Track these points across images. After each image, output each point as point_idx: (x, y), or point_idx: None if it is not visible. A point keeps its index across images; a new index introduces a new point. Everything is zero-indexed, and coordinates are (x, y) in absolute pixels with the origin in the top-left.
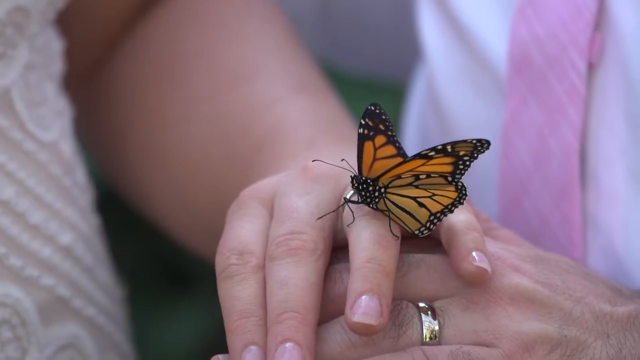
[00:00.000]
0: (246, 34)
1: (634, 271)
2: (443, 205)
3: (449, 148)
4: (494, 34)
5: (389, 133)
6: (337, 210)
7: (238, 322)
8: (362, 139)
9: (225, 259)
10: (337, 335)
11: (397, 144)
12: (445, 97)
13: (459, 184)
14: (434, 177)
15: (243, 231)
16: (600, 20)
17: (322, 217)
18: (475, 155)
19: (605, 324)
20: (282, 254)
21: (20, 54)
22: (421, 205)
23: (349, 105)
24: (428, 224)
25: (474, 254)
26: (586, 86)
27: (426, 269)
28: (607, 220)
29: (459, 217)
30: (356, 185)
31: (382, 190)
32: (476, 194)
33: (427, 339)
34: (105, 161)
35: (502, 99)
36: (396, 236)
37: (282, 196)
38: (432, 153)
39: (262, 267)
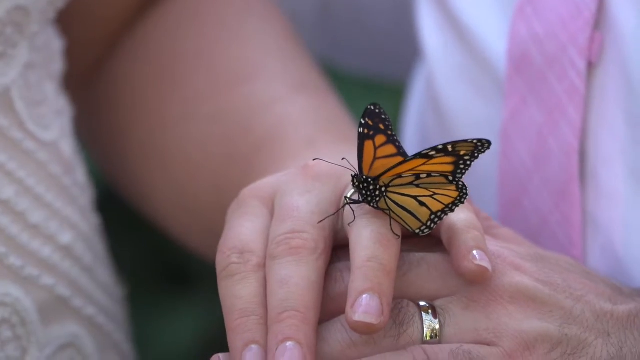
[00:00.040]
0: (246, 33)
1: (633, 270)
2: (444, 204)
3: (449, 148)
4: (493, 33)
5: (389, 132)
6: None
7: (239, 320)
8: (362, 138)
9: (225, 257)
10: (337, 334)
11: (397, 144)
12: (445, 97)
13: (460, 183)
14: (435, 176)
15: (243, 230)
16: (600, 19)
17: (323, 220)
18: (476, 155)
19: (606, 322)
20: (283, 252)
21: (20, 53)
22: (422, 204)
23: (349, 105)
24: (429, 223)
25: (474, 252)
26: (586, 85)
27: (427, 268)
28: (607, 219)
29: (460, 216)
30: (357, 184)
31: (383, 189)
32: (476, 193)
33: (428, 338)
34: (105, 161)
35: (501, 98)
36: (397, 235)
37: (282, 195)
38: (433, 152)
39: (263, 266)
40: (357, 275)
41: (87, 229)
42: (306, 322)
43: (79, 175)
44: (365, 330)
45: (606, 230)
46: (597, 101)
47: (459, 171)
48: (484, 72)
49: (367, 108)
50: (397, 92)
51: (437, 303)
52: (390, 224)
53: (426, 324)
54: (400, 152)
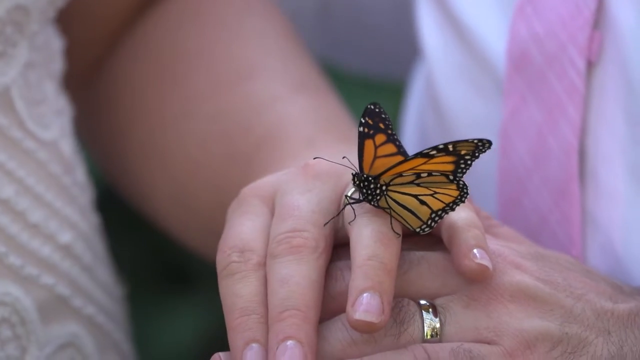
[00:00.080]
0: (246, 33)
1: (633, 269)
2: (444, 203)
3: (450, 147)
4: (493, 32)
5: (389, 132)
6: (339, 208)
7: (239, 319)
8: (362, 137)
9: (226, 256)
10: (338, 333)
11: (397, 143)
12: (445, 96)
13: (461, 182)
14: (436, 175)
15: (244, 229)
16: (600, 18)
17: (329, 221)
18: (477, 154)
19: (607, 321)
20: (284, 251)
21: (20, 52)
22: (422, 203)
23: (349, 104)
24: (429, 222)
25: (475, 251)
26: (585, 84)
27: (427, 267)
28: (606, 218)
29: (460, 215)
30: (357, 182)
31: (384, 187)
32: (475, 192)
33: (429, 337)
34: (105, 160)
35: (501, 97)
36: (397, 234)
37: (283, 194)
38: (434, 152)
39: (263, 265)
40: (358, 274)
41: (86, 228)
42: (307, 321)
43: (79, 175)
44: (365, 329)
45: (606, 229)
46: (596, 100)
47: (459, 170)
48: (484, 72)
49: (367, 107)
50: (396, 91)
51: (437, 302)
52: (391, 223)
53: (427, 322)
54: (401, 151)
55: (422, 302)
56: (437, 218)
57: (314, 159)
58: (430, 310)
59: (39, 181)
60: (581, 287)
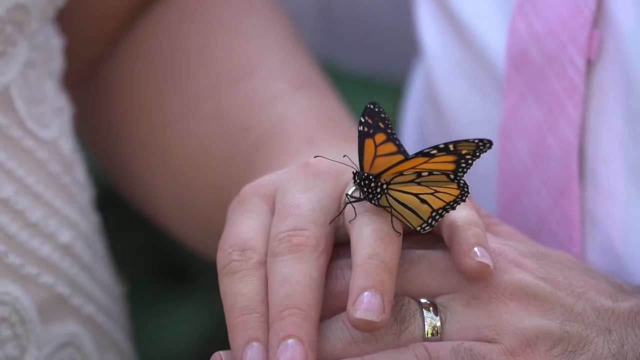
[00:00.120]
0: (246, 31)
1: (632, 268)
2: (445, 202)
3: (451, 147)
4: (492, 31)
5: (389, 131)
6: (339, 206)
7: (240, 318)
8: (362, 136)
9: (226, 255)
10: (338, 332)
11: (397, 142)
12: (444, 94)
13: (461, 181)
14: (436, 174)
15: (244, 227)
16: (599, 17)
17: (332, 221)
18: (478, 154)
19: (607, 319)
20: (285, 250)
21: (20, 51)
22: (423, 201)
23: (349, 103)
24: (430, 220)
25: (475, 249)
26: (585, 83)
27: (428, 265)
28: (606, 217)
29: (461, 213)
30: (358, 181)
31: (384, 186)
32: (475, 191)
33: (429, 335)
34: (104, 159)
35: (500, 95)
36: (398, 232)
37: (283, 192)
38: (435, 151)
39: (264, 264)
40: (359, 272)
41: (86, 227)
42: (308, 320)
43: (79, 174)
44: (366, 328)
45: (605, 228)
46: (596, 99)
47: (460, 170)
48: (483, 70)
49: (366, 107)
50: (396, 90)
51: (438, 300)
52: (392, 222)
53: (427, 321)
54: (400, 150)
55: (423, 300)
56: (437, 217)
57: (315, 157)
58: (431, 308)
59: (39, 180)
60: (582, 286)
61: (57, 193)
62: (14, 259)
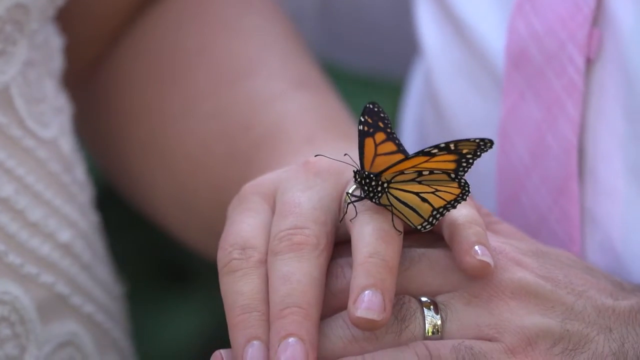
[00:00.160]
0: (246, 30)
1: (632, 266)
2: (446, 200)
3: (452, 146)
4: (492, 29)
5: (388, 130)
6: (340, 205)
7: (241, 317)
8: (362, 136)
9: (227, 253)
10: (339, 330)
11: (396, 141)
12: (443, 93)
13: (462, 180)
14: (437, 173)
15: (245, 226)
16: (599, 16)
17: (341, 219)
18: (479, 153)
19: (608, 318)
20: (285, 249)
21: (20, 51)
22: (424, 200)
23: (349, 103)
24: (431, 219)
25: (476, 247)
26: (584, 82)
27: (428, 263)
28: (606, 215)
29: (461, 212)
30: (359, 179)
31: (385, 185)
32: (474, 190)
33: (430, 334)
34: (104, 159)
35: (499, 94)
36: (399, 231)
37: (284, 191)
38: (435, 151)
39: (264, 262)
40: (359, 271)
41: (86, 226)
42: (308, 318)
43: (79, 173)
44: (367, 327)
45: (605, 226)
46: (595, 97)
47: (461, 169)
48: (483, 69)
49: (366, 106)
50: (396, 90)
51: (438, 299)
52: (392, 220)
53: (428, 319)
54: (400, 149)
55: (423, 299)
56: (438, 215)
57: (315, 156)
58: (432, 307)
59: (39, 179)
60: (582, 284)
61: (56, 192)
62: (13, 258)
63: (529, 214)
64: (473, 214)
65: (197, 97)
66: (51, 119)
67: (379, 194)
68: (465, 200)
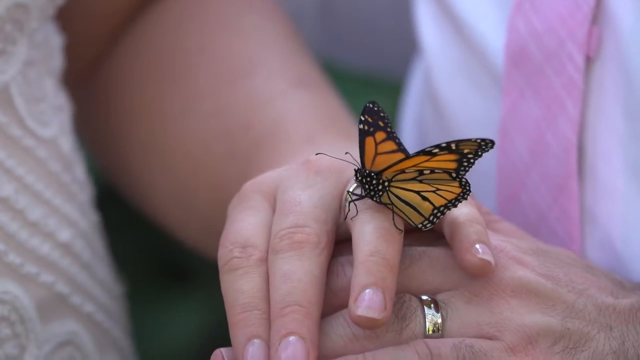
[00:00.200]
0: (246, 30)
1: (632, 265)
2: (447, 199)
3: (453, 146)
4: (491, 28)
5: (388, 129)
6: (340, 203)
7: (241, 315)
8: (363, 135)
9: (227, 252)
10: (340, 329)
11: (396, 140)
12: (443, 92)
13: (463, 180)
14: (438, 172)
15: (245, 224)
16: (598, 14)
17: (346, 218)
18: (480, 153)
19: (608, 316)
20: (286, 247)
21: (20, 50)
22: (425, 199)
23: (348, 102)
24: (431, 218)
25: (477, 246)
26: (584, 80)
27: (429, 262)
28: (605, 214)
29: (462, 210)
30: (360, 178)
31: (386, 183)
32: (474, 189)
33: (430, 332)
34: (104, 157)
35: (499, 93)
36: (399, 229)
37: (284, 190)
38: (437, 150)
39: (265, 261)
40: (360, 270)
41: (86, 226)
42: (309, 317)
43: (79, 172)
44: (368, 325)
45: (605, 225)
46: (595, 96)
47: (462, 169)
48: (482, 67)
49: (366, 106)
50: (396, 89)
51: (439, 297)
52: (393, 219)
53: (428, 318)
54: (401, 148)
55: (424, 297)
56: (439, 214)
57: (316, 154)
58: (432, 305)
59: (39, 179)
60: (582, 283)
61: (56, 192)
62: (13, 257)
63: (528, 213)
64: (474, 213)
65: (197, 96)
66: (51, 118)
67: (380, 193)
68: (466, 199)
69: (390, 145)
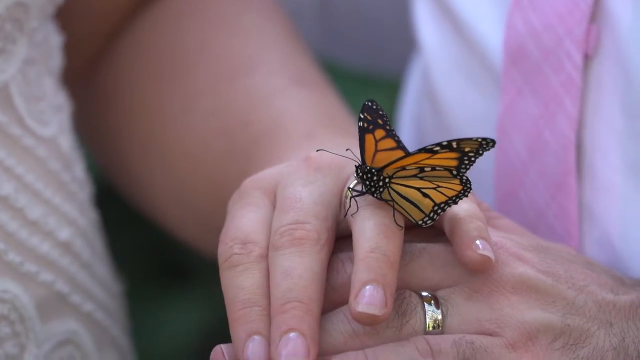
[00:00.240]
0: (246, 28)
1: (630, 262)
2: (447, 196)
3: (454, 144)
4: (489, 25)
5: (387, 127)
6: (340, 200)
7: (241, 311)
8: (362, 132)
9: (228, 248)
10: (340, 325)
11: (396, 138)
12: (441, 89)
13: (464, 177)
14: (439, 170)
15: (245, 221)
16: (596, 12)
17: (346, 215)
18: (480, 152)
19: (608, 312)
20: (286, 243)
21: (20, 49)
22: (425, 195)
23: (347, 100)
24: (432, 214)
25: (477, 242)
26: (582, 78)
27: (429, 258)
28: (604, 211)
29: (462, 206)
30: (360, 174)
31: (387, 180)
32: (473, 186)
33: (430, 328)
34: (104, 157)
35: (497, 90)
36: (400, 226)
37: (285, 186)
38: (438, 148)
39: (265, 257)
40: (361, 266)
41: (85, 224)
42: (309, 313)
43: (78, 171)
44: (368, 321)
45: (603, 222)
46: (593, 93)
47: (462, 167)
48: (481, 65)
49: (365, 104)
50: (394, 87)
51: (439, 293)
52: (394, 215)
53: (428, 314)
54: (400, 146)
55: (424, 293)
56: (439, 211)
57: (317, 151)
58: (432, 302)
59: (38, 178)
60: (583, 279)
61: (56, 190)
62: (13, 256)
63: (526, 210)
64: (474, 209)
65: (197, 94)
66: (50, 117)
67: (381, 189)
68: (466, 196)
69: (389, 143)
